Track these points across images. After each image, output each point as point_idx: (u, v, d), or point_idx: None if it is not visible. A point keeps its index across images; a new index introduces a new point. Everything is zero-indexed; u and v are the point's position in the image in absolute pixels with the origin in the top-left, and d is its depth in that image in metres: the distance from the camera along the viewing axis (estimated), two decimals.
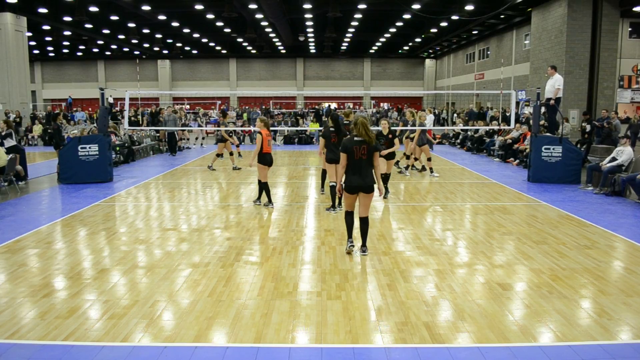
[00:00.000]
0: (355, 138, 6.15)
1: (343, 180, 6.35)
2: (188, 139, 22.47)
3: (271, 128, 23.67)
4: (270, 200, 9.44)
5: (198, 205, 9.98)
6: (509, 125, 16.52)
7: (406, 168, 13.99)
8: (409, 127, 14.30)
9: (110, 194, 10.86)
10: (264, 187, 9.31)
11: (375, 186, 6.33)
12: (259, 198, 9.65)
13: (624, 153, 10.85)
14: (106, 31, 32.56)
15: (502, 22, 28.05)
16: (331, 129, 8.83)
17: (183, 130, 21.24)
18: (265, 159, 9.08)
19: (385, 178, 10.28)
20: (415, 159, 13.97)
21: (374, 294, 5.20)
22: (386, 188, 10.13)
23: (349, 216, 6.54)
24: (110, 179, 12.46)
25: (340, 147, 6.29)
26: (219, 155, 14.99)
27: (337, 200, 9.02)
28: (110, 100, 27.19)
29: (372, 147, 6.18)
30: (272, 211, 9.21)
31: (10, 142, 12.31)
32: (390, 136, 10.13)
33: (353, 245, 6.53)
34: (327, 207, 9.23)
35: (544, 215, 8.89)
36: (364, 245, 6.53)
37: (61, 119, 16.26)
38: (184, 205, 9.86)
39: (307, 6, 24.21)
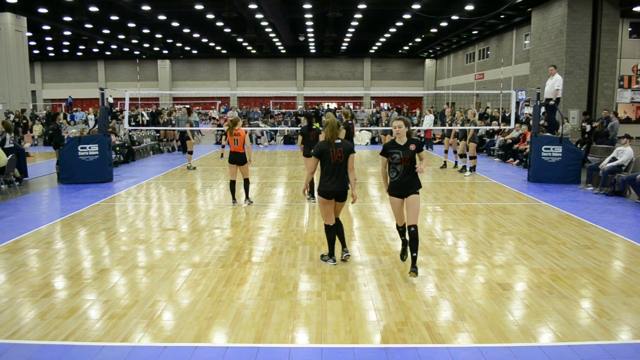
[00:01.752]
0: (325, 140, 5.87)
1: (308, 185, 6.29)
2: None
3: (271, 128, 23.83)
4: (234, 198, 9.80)
5: (198, 205, 9.99)
6: (509, 125, 16.52)
7: (463, 169, 13.89)
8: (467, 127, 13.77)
9: (110, 194, 10.86)
10: (229, 184, 9.86)
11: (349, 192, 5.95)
12: (247, 197, 9.83)
13: (624, 153, 10.85)
14: (106, 31, 32.57)
15: (502, 22, 28.05)
16: (308, 126, 9.75)
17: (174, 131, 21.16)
18: (229, 157, 9.68)
19: (414, 236, 5.53)
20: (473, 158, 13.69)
21: (374, 294, 5.20)
22: (414, 260, 5.55)
23: (331, 231, 6.03)
24: (110, 179, 12.46)
25: (313, 150, 5.93)
26: (190, 152, 15.16)
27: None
28: (110, 100, 27.20)
29: (348, 149, 5.84)
30: (271, 211, 9.21)
31: (8, 144, 12.20)
32: (412, 148, 5.55)
33: (335, 263, 6.08)
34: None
35: (544, 215, 8.89)
36: (344, 246, 6.20)
37: (60, 118, 16.25)
38: (184, 205, 9.86)
39: (307, 6, 24.21)
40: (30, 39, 30.25)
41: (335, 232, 6.04)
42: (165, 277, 5.71)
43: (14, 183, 11.48)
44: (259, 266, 6.12)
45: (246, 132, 9.71)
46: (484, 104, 33.28)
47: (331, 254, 6.13)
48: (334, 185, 5.78)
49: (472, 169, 13.69)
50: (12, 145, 12.22)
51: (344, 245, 6.20)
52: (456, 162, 14.93)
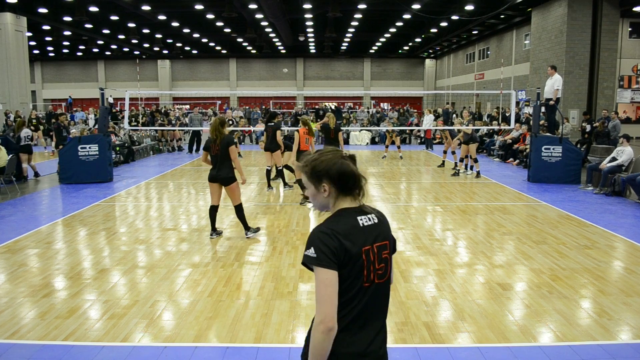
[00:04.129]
0: (209, 136, 7.14)
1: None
2: (181, 139, 22.33)
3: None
4: (304, 196, 9.77)
5: (198, 205, 9.98)
6: (509, 125, 16.51)
7: (466, 169, 13.78)
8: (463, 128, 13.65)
9: (110, 194, 10.86)
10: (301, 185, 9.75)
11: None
12: (303, 198, 9.78)
13: (624, 153, 10.85)
14: (106, 31, 32.54)
15: (502, 22, 28.03)
16: (270, 123, 11.20)
17: (175, 130, 21.14)
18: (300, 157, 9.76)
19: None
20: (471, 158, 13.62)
21: None
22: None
23: (212, 210, 7.32)
24: (110, 179, 12.46)
25: (203, 146, 7.29)
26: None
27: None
28: (110, 100, 27.19)
29: (224, 143, 6.94)
30: (271, 211, 9.21)
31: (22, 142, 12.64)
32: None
33: (212, 237, 7.34)
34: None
35: (544, 215, 8.89)
36: (246, 229, 7.33)
37: (64, 119, 16.32)
38: (184, 205, 9.86)
39: (307, 6, 24.19)
40: (30, 39, 30.21)
41: (215, 211, 7.33)
42: (165, 277, 5.71)
43: (15, 182, 11.51)
44: (259, 266, 6.12)
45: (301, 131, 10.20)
46: (484, 104, 33.27)
47: (213, 229, 7.41)
48: (215, 172, 7.06)
49: (471, 168, 13.69)
50: (29, 142, 12.72)
51: (245, 227, 7.32)
52: (466, 165, 14.00)
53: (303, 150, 9.83)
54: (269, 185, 11.31)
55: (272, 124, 11.22)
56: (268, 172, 11.27)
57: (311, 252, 1.97)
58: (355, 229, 2.03)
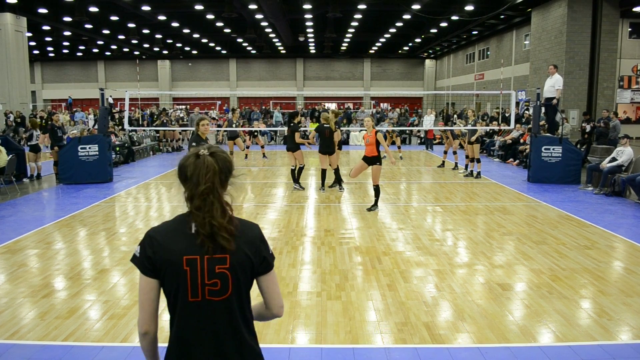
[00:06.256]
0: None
1: None
2: (183, 139, 22.32)
3: (271, 128, 23.78)
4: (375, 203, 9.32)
5: None
6: (509, 125, 16.51)
7: (466, 169, 13.72)
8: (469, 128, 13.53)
9: (110, 194, 10.86)
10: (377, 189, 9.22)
11: None
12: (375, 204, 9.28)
13: (624, 153, 10.85)
14: (106, 31, 32.54)
15: (502, 22, 28.03)
16: (290, 124, 11.53)
17: (175, 131, 21.13)
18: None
19: None
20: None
21: (374, 294, 5.20)
22: None
23: None
24: (110, 179, 12.46)
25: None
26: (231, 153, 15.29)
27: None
28: (110, 100, 27.19)
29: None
30: (271, 211, 9.21)
31: (32, 141, 12.98)
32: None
33: None
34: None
35: (544, 215, 8.89)
36: None
37: (58, 119, 16.33)
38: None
39: (307, 6, 24.19)
40: (30, 39, 30.21)
41: None
42: None
43: (15, 181, 11.52)
44: None
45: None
46: (484, 104, 33.28)
47: None
48: None
49: (466, 167, 13.68)
50: (37, 142, 12.96)
51: None
52: (467, 165, 13.91)
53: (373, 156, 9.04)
54: (297, 182, 11.42)
55: (292, 124, 11.39)
56: (292, 171, 11.46)
57: (137, 251, 1.89)
58: (178, 234, 1.88)
